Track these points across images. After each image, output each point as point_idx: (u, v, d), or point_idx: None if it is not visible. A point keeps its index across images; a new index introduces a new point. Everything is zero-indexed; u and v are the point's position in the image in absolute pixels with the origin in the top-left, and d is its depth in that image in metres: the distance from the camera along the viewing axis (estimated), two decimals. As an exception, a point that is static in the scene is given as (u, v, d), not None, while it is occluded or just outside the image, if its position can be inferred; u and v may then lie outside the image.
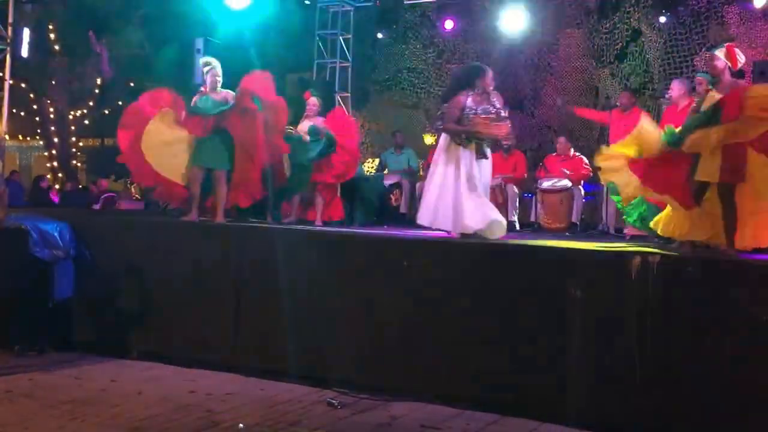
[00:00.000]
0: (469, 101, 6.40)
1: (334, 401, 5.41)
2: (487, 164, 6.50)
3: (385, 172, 10.13)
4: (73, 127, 16.84)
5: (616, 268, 5.07)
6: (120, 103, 18.19)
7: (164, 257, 6.76)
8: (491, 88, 6.53)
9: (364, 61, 13.88)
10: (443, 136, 6.55)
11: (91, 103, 16.95)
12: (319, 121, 8.13)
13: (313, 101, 8.26)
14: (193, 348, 6.49)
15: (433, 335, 5.60)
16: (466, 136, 6.33)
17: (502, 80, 12.19)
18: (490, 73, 6.53)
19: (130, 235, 7.15)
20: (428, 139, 12.43)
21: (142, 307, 6.74)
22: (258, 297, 6.30)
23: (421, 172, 10.12)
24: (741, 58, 5.72)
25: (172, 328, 6.61)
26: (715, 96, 5.60)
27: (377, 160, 11.53)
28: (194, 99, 7.38)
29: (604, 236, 7.53)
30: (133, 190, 20.60)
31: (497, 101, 6.49)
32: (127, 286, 6.84)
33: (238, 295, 6.37)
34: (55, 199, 14.42)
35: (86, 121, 17.34)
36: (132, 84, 18.34)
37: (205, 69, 7.38)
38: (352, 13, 13.66)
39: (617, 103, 8.62)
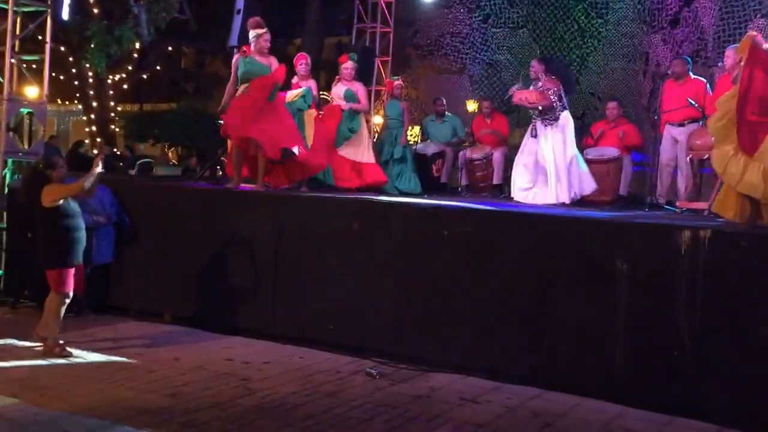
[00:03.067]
0: None
1: (372, 371, 5.34)
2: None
3: (427, 140, 9.85)
4: (111, 92, 16.81)
5: (665, 241, 4.89)
6: (159, 68, 18.21)
7: (203, 224, 6.70)
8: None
9: (405, 26, 13.55)
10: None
11: (129, 68, 16.89)
12: (356, 87, 8.07)
13: (350, 65, 8.13)
14: (230, 315, 6.46)
15: (473, 307, 5.48)
16: None
17: (547, 45, 11.87)
18: None
19: (169, 201, 7.11)
20: (471, 106, 12.10)
21: (179, 273, 6.71)
22: (297, 265, 6.23)
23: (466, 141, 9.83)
24: None
25: (210, 294, 6.57)
26: None
27: (417, 128, 11.27)
28: (236, 59, 7.15)
29: (654, 208, 7.21)
30: (170, 155, 20.61)
31: None
32: (166, 252, 6.81)
33: (276, 263, 6.30)
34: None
35: (125, 86, 17.31)
36: (170, 48, 18.29)
37: (258, 31, 7.13)
38: (394, -24, 13.34)
39: (669, 72, 8.15)
